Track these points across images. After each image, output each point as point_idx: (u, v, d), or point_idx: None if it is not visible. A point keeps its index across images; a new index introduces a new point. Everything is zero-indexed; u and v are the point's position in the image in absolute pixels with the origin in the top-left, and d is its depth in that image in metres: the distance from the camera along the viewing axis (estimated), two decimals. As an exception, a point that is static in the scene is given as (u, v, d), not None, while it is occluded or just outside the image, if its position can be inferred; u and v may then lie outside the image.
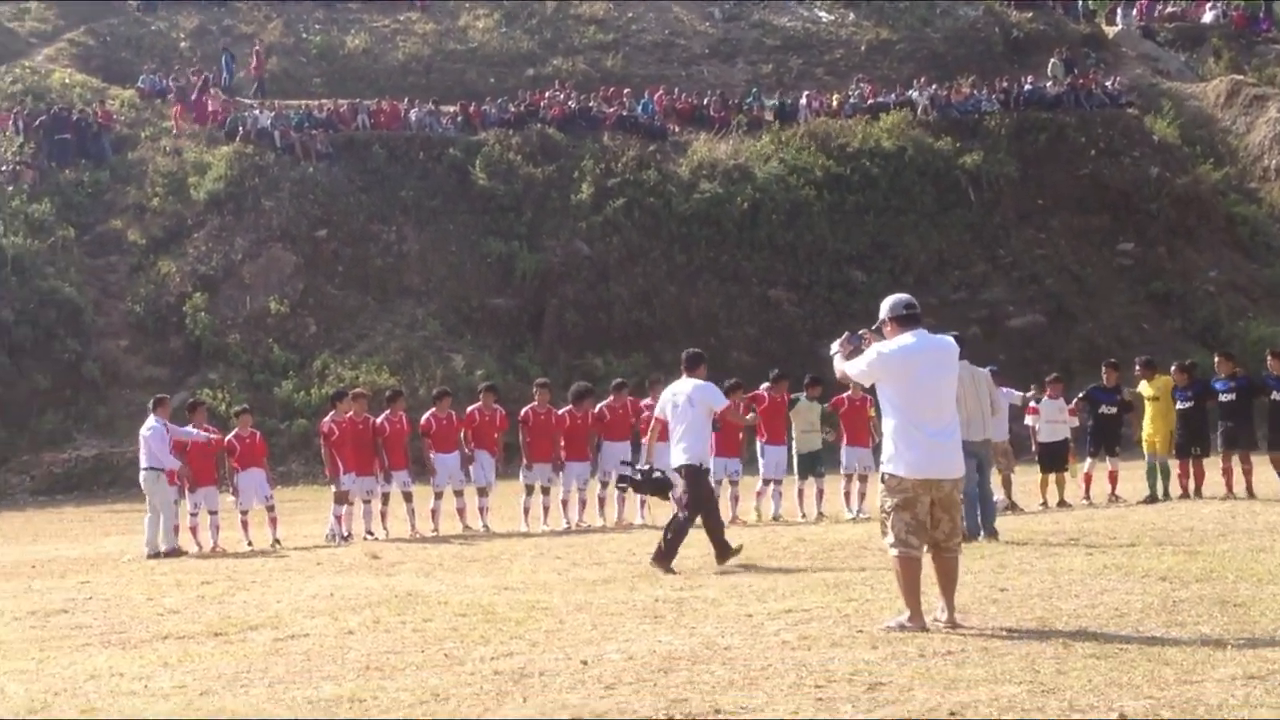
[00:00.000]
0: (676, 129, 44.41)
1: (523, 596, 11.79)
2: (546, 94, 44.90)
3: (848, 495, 19.98)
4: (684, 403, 13.88)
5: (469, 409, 20.43)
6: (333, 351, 36.45)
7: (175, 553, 17.80)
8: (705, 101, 45.69)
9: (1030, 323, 40.24)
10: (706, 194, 41.23)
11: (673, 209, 41.08)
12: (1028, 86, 46.80)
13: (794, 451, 20.31)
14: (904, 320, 9.34)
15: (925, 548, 9.19)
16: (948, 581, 9.24)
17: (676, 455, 13.91)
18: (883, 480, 9.31)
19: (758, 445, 20.36)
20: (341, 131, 41.98)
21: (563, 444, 19.89)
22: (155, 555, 17.66)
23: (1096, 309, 41.16)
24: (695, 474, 13.87)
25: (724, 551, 13.66)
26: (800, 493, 20.18)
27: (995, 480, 20.12)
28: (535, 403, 20.22)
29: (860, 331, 9.75)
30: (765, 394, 20.36)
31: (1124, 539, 14.29)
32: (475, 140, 42.27)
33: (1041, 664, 7.77)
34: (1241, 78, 52.18)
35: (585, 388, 20.93)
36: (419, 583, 13.33)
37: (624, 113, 44.06)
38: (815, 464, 20.28)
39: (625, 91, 45.45)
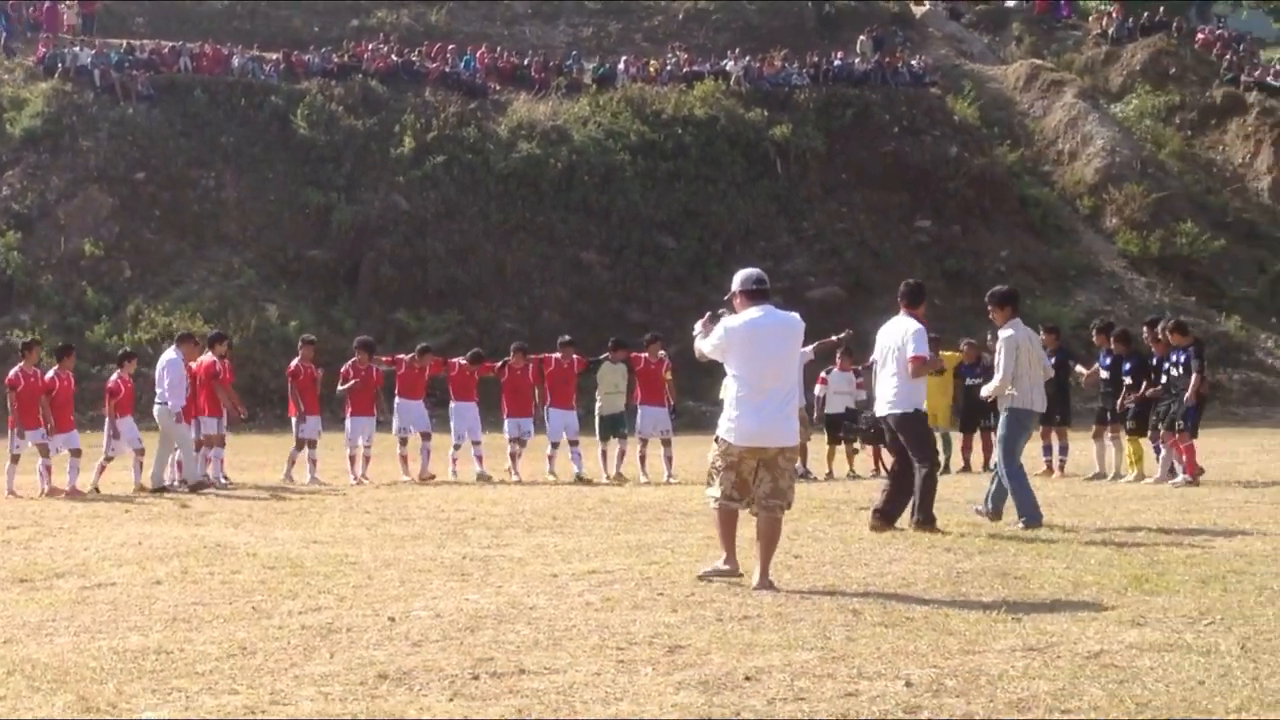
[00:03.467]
0: (497, 88, 44.43)
1: (331, 550, 11.80)
2: (370, 46, 44.48)
3: (643, 459, 20.21)
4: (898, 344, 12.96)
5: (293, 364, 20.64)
6: (147, 297, 35.83)
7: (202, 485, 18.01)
8: (526, 62, 45.75)
9: (829, 294, 41.04)
10: (524, 154, 41.36)
11: (491, 167, 41.14)
12: (837, 62, 47.73)
13: (598, 413, 20.69)
14: (753, 295, 9.75)
15: (746, 503, 9.75)
16: (766, 541, 9.62)
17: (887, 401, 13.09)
18: (716, 441, 9.78)
19: (544, 410, 20.62)
20: (163, 73, 41.21)
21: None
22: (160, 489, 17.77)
23: (893, 284, 41.64)
24: (918, 421, 13.11)
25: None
26: (603, 454, 20.50)
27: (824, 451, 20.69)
28: (355, 359, 20.46)
29: (720, 311, 10.14)
30: (553, 359, 20.68)
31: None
32: (297, 89, 41.83)
33: (832, 631, 7.98)
34: (1040, 62, 54.06)
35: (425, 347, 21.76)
36: (227, 534, 13.28)
37: (446, 69, 43.88)
38: (618, 426, 20.67)
39: (449, 48, 45.18)
